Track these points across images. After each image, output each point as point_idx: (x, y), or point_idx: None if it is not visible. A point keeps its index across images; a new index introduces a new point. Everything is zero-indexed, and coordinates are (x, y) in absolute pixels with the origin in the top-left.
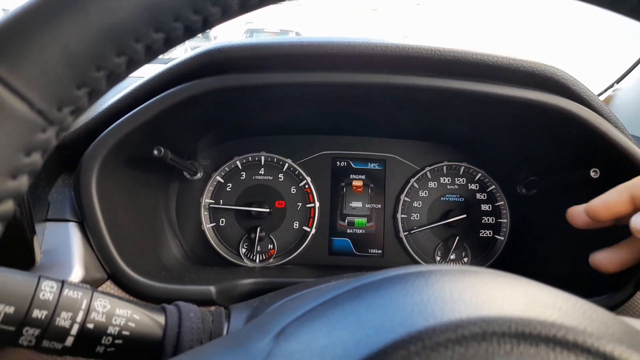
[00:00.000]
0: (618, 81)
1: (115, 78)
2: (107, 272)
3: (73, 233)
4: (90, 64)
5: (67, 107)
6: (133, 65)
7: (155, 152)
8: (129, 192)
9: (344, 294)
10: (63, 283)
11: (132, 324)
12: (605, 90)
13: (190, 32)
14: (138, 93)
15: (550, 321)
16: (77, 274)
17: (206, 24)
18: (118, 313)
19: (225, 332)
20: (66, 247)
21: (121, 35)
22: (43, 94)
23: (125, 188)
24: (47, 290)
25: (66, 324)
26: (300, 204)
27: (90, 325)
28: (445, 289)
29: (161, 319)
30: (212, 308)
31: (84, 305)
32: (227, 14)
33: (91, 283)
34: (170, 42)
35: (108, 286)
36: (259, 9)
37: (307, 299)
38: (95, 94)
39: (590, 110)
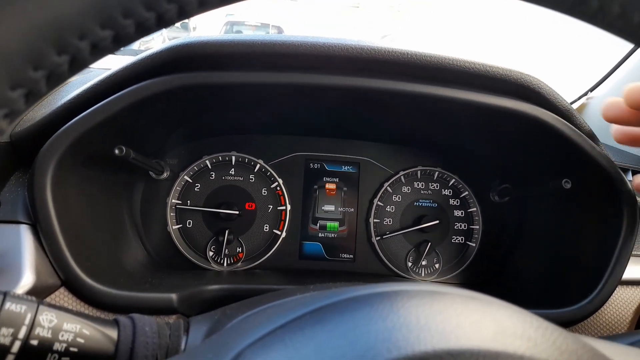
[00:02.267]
0: (592, 89)
1: (56, 78)
2: (61, 278)
3: (25, 236)
4: (25, 63)
5: None
6: (77, 64)
7: (117, 151)
8: (88, 192)
9: (305, 316)
10: (5, 295)
11: (80, 340)
12: (579, 98)
13: (143, 30)
14: (100, 87)
15: (519, 354)
16: (27, 279)
17: (161, 22)
18: (66, 328)
19: (182, 346)
20: (17, 251)
21: (62, 31)
22: None
23: (84, 188)
24: None
25: (6, 341)
26: (271, 206)
27: (34, 342)
28: (412, 314)
29: (113, 333)
30: (173, 317)
31: (27, 320)
32: (184, 12)
33: (43, 290)
34: (120, 40)
35: (62, 293)
36: (221, 7)
37: (268, 317)
38: (33, 96)
39: (564, 120)
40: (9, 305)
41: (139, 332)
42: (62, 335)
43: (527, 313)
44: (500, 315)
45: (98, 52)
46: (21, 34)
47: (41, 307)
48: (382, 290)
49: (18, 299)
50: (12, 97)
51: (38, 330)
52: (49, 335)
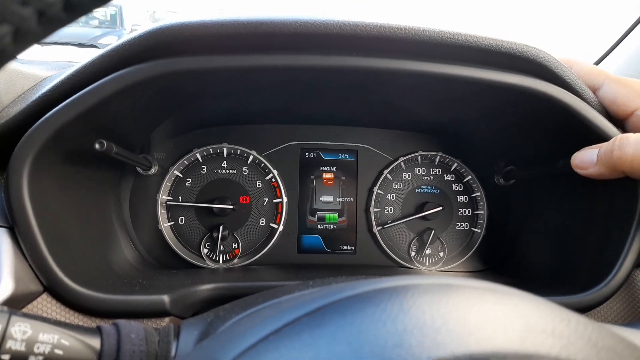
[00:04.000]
0: (597, 63)
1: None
2: (43, 284)
3: (2, 240)
4: None
5: None
6: (24, 37)
7: (97, 145)
8: (70, 191)
9: (302, 319)
10: None
11: (59, 352)
12: None
13: None
14: (75, 79)
15: (553, 355)
16: (6, 287)
17: None
18: (42, 339)
19: (173, 353)
20: None
21: None
22: None
23: (66, 187)
24: None
25: None
26: (267, 199)
27: (5, 357)
28: (425, 312)
29: (96, 342)
30: (166, 320)
31: None
32: None
33: (24, 297)
34: (75, 7)
35: (44, 300)
36: None
37: (262, 321)
38: None
39: (574, 95)
40: None
41: (124, 340)
42: (38, 348)
43: (554, 305)
44: (525, 309)
45: (47, 22)
46: None
47: (13, 318)
48: (388, 285)
49: None
50: None
51: (10, 344)
52: (23, 349)
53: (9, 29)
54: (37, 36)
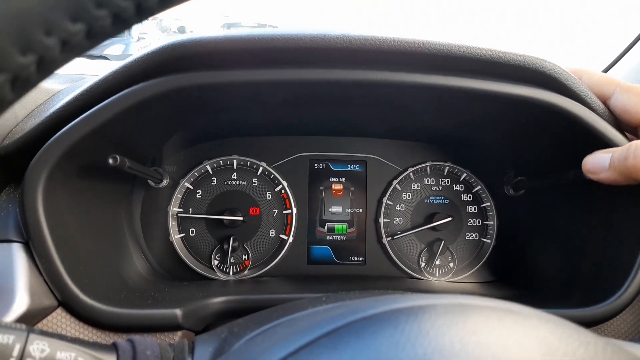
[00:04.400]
0: (606, 70)
1: (22, 83)
2: (58, 299)
3: (17, 255)
4: None
5: None
6: (46, 66)
7: (111, 160)
8: (83, 205)
9: (320, 341)
10: None
11: None
12: None
13: (120, 22)
14: (89, 94)
15: None
16: (21, 302)
17: (141, 11)
18: (60, 357)
19: None
20: (9, 271)
21: (25, 27)
22: None
23: (79, 201)
24: None
25: None
26: (277, 210)
27: None
28: (444, 335)
29: (112, 359)
30: (178, 334)
31: (15, 352)
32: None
33: (39, 312)
34: (95, 36)
35: (59, 314)
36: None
37: (279, 340)
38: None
39: (584, 106)
40: None
41: (139, 357)
42: None
43: (573, 326)
44: (545, 331)
45: (70, 50)
46: None
47: (32, 336)
48: (405, 305)
49: (6, 328)
50: None
51: None
52: None
53: (34, 59)
54: (60, 63)
